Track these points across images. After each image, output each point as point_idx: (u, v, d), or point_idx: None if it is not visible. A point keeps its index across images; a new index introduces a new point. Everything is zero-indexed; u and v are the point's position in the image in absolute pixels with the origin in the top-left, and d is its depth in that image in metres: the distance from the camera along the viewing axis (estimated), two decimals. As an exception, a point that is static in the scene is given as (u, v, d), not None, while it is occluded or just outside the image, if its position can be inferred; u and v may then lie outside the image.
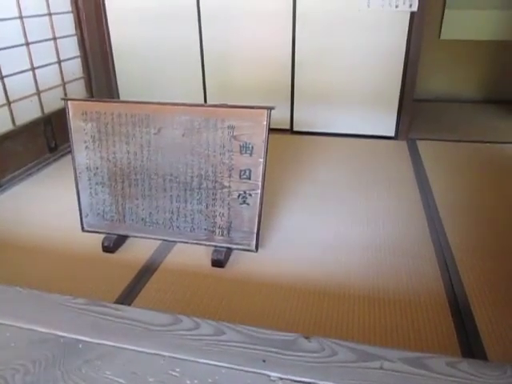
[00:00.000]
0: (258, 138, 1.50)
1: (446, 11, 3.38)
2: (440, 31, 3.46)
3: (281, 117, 2.93)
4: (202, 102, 3.03)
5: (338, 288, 1.55)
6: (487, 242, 1.81)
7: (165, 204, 1.72)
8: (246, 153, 1.53)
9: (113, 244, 1.79)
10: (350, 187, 2.26)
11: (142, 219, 1.77)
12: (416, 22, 2.58)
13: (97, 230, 1.82)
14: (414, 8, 2.49)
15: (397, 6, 2.50)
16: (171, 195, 1.69)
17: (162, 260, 1.73)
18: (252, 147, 1.52)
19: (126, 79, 3.12)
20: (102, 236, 1.81)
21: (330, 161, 2.56)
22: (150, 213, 1.75)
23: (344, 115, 2.86)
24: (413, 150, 2.69)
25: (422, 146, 2.74)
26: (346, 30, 2.66)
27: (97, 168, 1.75)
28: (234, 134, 1.53)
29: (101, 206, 1.79)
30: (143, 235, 1.78)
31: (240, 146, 1.53)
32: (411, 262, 1.69)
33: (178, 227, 1.73)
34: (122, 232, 1.81)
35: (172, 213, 1.72)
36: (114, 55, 3.07)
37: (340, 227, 1.92)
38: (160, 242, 1.81)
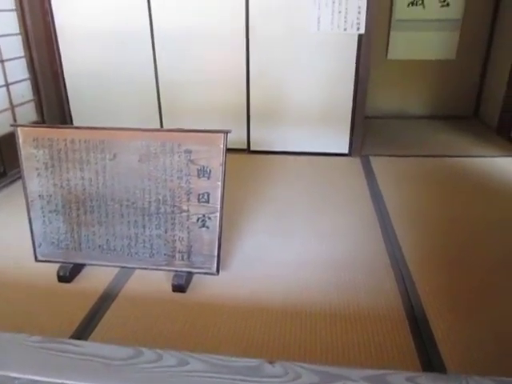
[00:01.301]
0: (216, 161, 1.51)
1: (391, 33, 3.56)
2: (387, 52, 3.63)
3: (238, 137, 2.96)
4: (158, 125, 3.02)
5: (299, 307, 1.57)
6: (439, 253, 1.89)
7: (122, 230, 1.68)
8: (203, 176, 1.53)
9: (69, 273, 1.73)
10: (307, 205, 2.31)
11: (99, 246, 1.73)
12: (364, 44, 2.69)
13: (51, 260, 1.76)
14: (362, 31, 2.60)
15: (345, 29, 2.61)
16: (129, 221, 1.66)
17: (121, 287, 1.69)
18: (210, 171, 1.52)
19: (79, 102, 3.06)
20: (57, 265, 1.74)
21: (287, 179, 2.60)
22: (108, 239, 1.71)
23: (299, 134, 2.93)
24: (366, 165, 2.79)
25: (374, 161, 2.84)
26: (298, 51, 2.74)
27: (50, 196, 1.69)
28: (192, 158, 1.53)
29: (55, 235, 1.73)
30: (101, 263, 1.74)
31: (198, 170, 1.53)
32: (369, 276, 1.74)
33: (136, 253, 1.70)
34: (78, 260, 1.75)
35: (130, 239, 1.69)
36: (66, 78, 3.00)
37: (299, 245, 1.95)
38: (118, 268, 1.77)
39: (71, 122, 3.12)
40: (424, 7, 3.48)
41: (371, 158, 2.90)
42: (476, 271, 1.76)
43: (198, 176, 1.54)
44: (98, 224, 1.70)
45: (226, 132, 1.47)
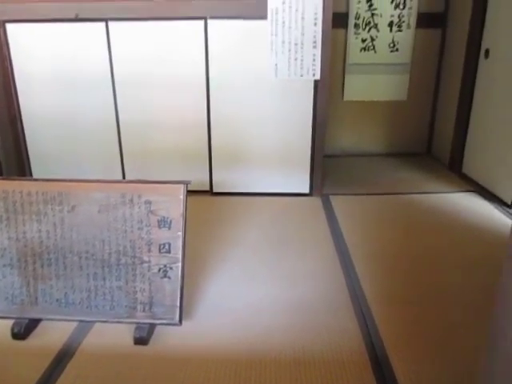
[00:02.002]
0: (176, 211, 1.52)
1: (346, 76, 3.74)
2: (343, 93, 3.79)
3: (200, 179, 2.98)
4: (120, 170, 2.99)
5: (263, 354, 1.56)
6: (399, 290, 1.94)
7: (81, 283, 1.65)
8: (164, 227, 1.54)
9: (24, 329, 1.66)
10: (269, 247, 2.33)
11: (57, 300, 1.68)
12: (320, 88, 2.81)
13: (5, 316, 1.69)
14: (317, 77, 2.72)
15: (301, 75, 2.72)
16: (88, 273, 1.63)
17: (80, 342, 1.63)
18: (170, 221, 1.53)
19: (38, 148, 3.01)
20: (12, 322, 1.67)
21: (250, 221, 2.63)
22: (66, 293, 1.67)
23: (261, 175, 2.98)
24: (327, 205, 2.86)
25: (335, 200, 2.92)
26: (257, 95, 2.82)
27: (4, 249, 1.64)
28: (152, 208, 1.53)
29: (9, 290, 1.67)
30: (58, 317, 1.68)
31: (158, 221, 1.53)
32: (332, 319, 1.76)
33: (96, 306, 1.66)
34: (34, 315, 1.69)
35: (89, 291, 1.65)
36: (25, 124, 2.96)
37: (262, 289, 1.96)
38: (77, 322, 1.71)
39: (30, 169, 3.05)
40: (375, 52, 3.69)
41: (331, 197, 2.97)
42: (435, 309, 1.82)
43: (159, 226, 1.54)
44: (56, 277, 1.66)
45: (186, 183, 1.49)
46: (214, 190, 3.01)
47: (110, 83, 2.83)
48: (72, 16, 2.67)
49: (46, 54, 2.80)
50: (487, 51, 3.04)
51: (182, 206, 1.51)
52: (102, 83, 2.83)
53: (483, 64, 3.10)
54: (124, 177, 3.02)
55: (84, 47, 2.77)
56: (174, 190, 1.51)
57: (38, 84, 2.87)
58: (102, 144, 2.96)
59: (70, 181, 1.57)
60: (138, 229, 1.55)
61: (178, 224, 1.53)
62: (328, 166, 3.45)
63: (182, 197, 1.51)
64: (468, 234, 2.45)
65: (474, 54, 3.17)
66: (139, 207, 1.54)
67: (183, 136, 2.91)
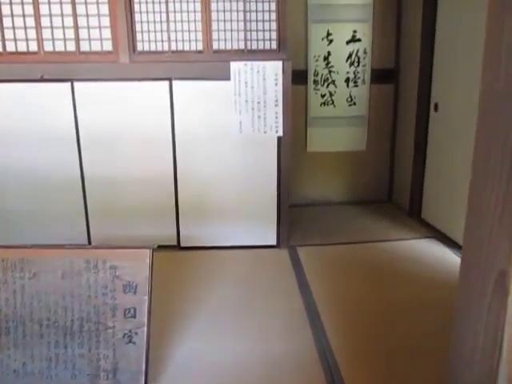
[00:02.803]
0: (142, 276, 1.52)
1: (308, 129, 3.90)
2: (306, 145, 3.94)
3: (168, 234, 2.98)
4: (85, 228, 2.96)
5: (233, 420, 1.53)
6: (368, 345, 1.96)
7: (41, 351, 1.59)
8: (129, 291, 1.52)
9: (-22, 406, 1.57)
10: (237, 303, 2.32)
11: (15, 371, 1.60)
12: (283, 142, 2.91)
13: (-42, 392, 1.59)
14: (280, 133, 2.84)
15: (265, 132, 2.83)
16: (49, 341, 1.58)
17: (39, 417, 1.56)
18: (136, 286, 1.52)
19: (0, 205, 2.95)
20: (-35, 398, 1.58)
21: (217, 276, 2.62)
22: (24, 362, 1.60)
23: (229, 228, 3.01)
24: (294, 257, 2.89)
25: (302, 252, 2.96)
26: (223, 151, 2.89)
27: (-40, 320, 1.58)
28: (117, 273, 1.52)
29: (-36, 363, 1.59)
30: (16, 390, 1.60)
31: (123, 286, 1.52)
32: (300, 373, 1.75)
33: (57, 375, 1.59)
34: (-11, 389, 1.60)
35: (50, 360, 1.59)
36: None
37: (230, 348, 1.93)
38: (36, 395, 1.63)
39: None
40: (335, 106, 3.89)
41: (298, 248, 3.02)
42: (405, 362, 1.84)
43: (124, 291, 1.53)
44: (14, 346, 1.59)
45: (152, 248, 1.50)
46: (182, 245, 3.00)
47: (75, 140, 2.84)
48: (37, 76, 2.71)
49: (9, 111, 2.79)
50: (436, 105, 3.27)
51: (147, 270, 1.51)
52: (67, 140, 2.83)
53: (433, 116, 3.32)
54: (89, 234, 2.97)
55: (49, 106, 2.79)
56: (140, 254, 1.51)
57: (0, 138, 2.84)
58: (66, 201, 2.92)
59: (33, 246, 1.55)
60: (103, 294, 1.53)
61: (144, 288, 1.52)
62: (294, 216, 3.51)
63: (147, 261, 1.51)
64: (429, 280, 2.53)
65: (425, 107, 3.40)
66: (104, 272, 1.52)
67: (150, 191, 2.92)
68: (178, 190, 2.94)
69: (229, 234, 3.02)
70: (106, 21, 2.73)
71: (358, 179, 4.11)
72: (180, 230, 2.99)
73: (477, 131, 0.74)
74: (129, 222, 2.96)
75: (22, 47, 2.74)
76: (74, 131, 2.83)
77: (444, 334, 2.00)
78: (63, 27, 2.72)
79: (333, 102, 3.88)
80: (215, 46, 2.81)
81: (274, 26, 2.83)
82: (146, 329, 1.54)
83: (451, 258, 2.82)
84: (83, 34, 2.75)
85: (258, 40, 2.85)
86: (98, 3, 2.71)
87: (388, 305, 2.29)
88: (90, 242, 2.97)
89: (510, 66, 0.69)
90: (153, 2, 2.75)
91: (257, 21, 2.82)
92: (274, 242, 3.03)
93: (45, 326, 1.57)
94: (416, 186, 3.58)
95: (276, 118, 2.80)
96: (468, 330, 0.76)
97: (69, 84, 2.76)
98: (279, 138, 2.89)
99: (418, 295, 2.38)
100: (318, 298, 2.36)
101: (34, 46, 2.73)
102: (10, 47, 2.73)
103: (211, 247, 2.99)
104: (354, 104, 3.91)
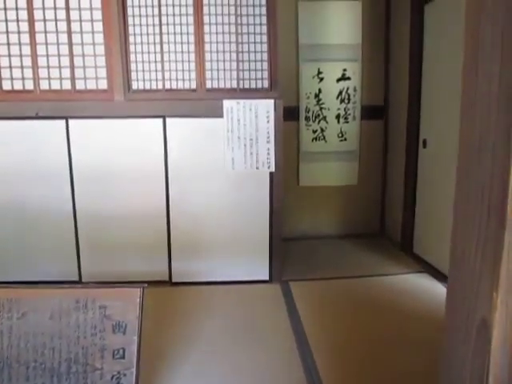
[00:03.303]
0: (132, 315, 1.50)
1: (300, 164, 3.95)
2: (298, 179, 3.99)
3: (160, 269, 2.96)
4: (75, 263, 2.93)
5: None
6: (360, 382, 1.93)
7: (28, 395, 1.55)
8: (119, 332, 1.51)
9: None
10: (228, 340, 2.29)
11: (-1, 416, 1.56)
12: (275, 177, 2.95)
13: None
14: (272, 169, 2.88)
15: (257, 168, 2.87)
16: (35, 384, 1.54)
17: None
18: (125, 325, 1.50)
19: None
20: None
21: (209, 313, 2.59)
22: (10, 407, 1.56)
23: (221, 263, 3.00)
24: (286, 292, 2.88)
25: (294, 287, 2.95)
26: (215, 187, 2.92)
27: None
28: (107, 313, 1.51)
29: None
30: None
31: (113, 326, 1.50)
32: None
33: (43, 420, 1.55)
34: None
35: (36, 404, 1.55)
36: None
37: (223, 389, 1.90)
38: None
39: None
40: (326, 141, 3.96)
41: (291, 283, 3.00)
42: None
43: (113, 331, 1.51)
44: (0, 390, 1.55)
45: (143, 287, 1.49)
46: (174, 280, 2.98)
47: (68, 177, 2.85)
48: (32, 114, 2.75)
49: (3, 148, 2.82)
50: (425, 141, 3.34)
51: (138, 309, 1.50)
52: (60, 176, 2.85)
53: (422, 152, 3.39)
54: (80, 270, 2.95)
55: (43, 142, 2.81)
56: (131, 293, 1.51)
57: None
58: (57, 237, 2.91)
59: (22, 287, 1.54)
60: (92, 335, 1.51)
61: (134, 328, 1.50)
62: (287, 250, 3.51)
63: (138, 300, 1.50)
64: (421, 315, 2.51)
65: (414, 143, 3.47)
66: (93, 312, 1.51)
67: (142, 227, 2.92)
68: (171, 225, 2.94)
69: (221, 269, 3.01)
70: (101, 61, 2.81)
71: (350, 213, 4.14)
72: (172, 265, 2.97)
73: (456, 181, 0.77)
74: (121, 257, 2.94)
75: (18, 85, 2.79)
76: (68, 167, 2.85)
77: (432, 370, 1.99)
78: (59, 67, 2.79)
79: (324, 138, 3.96)
80: (208, 85, 2.89)
81: (265, 65, 2.92)
82: (134, 370, 1.52)
83: (443, 293, 2.82)
84: (79, 73, 2.81)
85: (250, 79, 2.93)
86: (94, 44, 2.79)
87: (379, 342, 2.26)
88: (80, 279, 2.95)
89: (485, 118, 0.73)
90: (148, 43, 2.84)
91: (249, 61, 2.90)
92: (266, 277, 3.02)
93: (32, 367, 1.54)
94: (407, 221, 3.61)
95: (268, 154, 2.85)
96: (453, 375, 0.76)
97: (63, 121, 2.80)
98: (271, 174, 2.93)
99: (410, 331, 2.36)
100: (310, 335, 2.33)
101: (30, 85, 2.79)
102: (7, 86, 2.79)
103: (203, 282, 2.97)
104: (345, 139, 3.99)
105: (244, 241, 2.99)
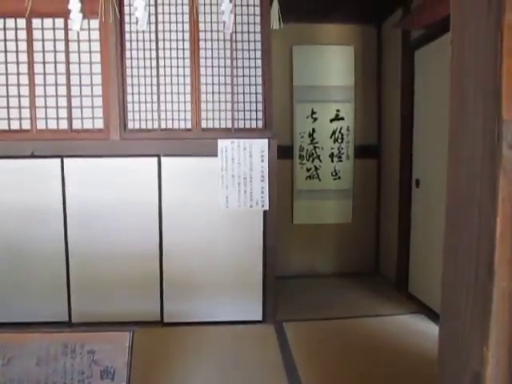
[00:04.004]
0: (121, 360, 1.47)
1: (294, 202, 3.97)
2: (292, 217, 3.99)
3: (151, 309, 2.91)
4: (66, 301, 2.88)
5: None
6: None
7: None
8: (107, 378, 1.46)
9: None
10: (222, 384, 2.23)
11: None
12: (269, 215, 2.95)
13: None
14: (266, 207, 2.89)
15: (251, 206, 2.88)
16: (18, 434, 1.48)
17: None
18: (114, 371, 1.46)
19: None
20: None
21: (200, 356, 2.52)
22: None
23: (214, 303, 2.95)
24: (280, 333, 2.82)
25: (288, 328, 2.89)
26: (209, 225, 2.92)
27: None
28: (95, 358, 1.47)
29: None
30: None
31: (101, 371, 1.46)
32: None
33: None
34: None
35: None
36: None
37: None
38: None
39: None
40: (320, 180, 4.00)
41: (285, 324, 2.94)
42: None
43: (101, 377, 1.47)
44: None
45: (132, 330, 1.46)
46: (165, 320, 2.92)
47: (61, 215, 2.84)
48: (28, 153, 2.77)
49: (-2, 186, 2.82)
50: (417, 181, 3.38)
51: (127, 354, 1.46)
52: (53, 215, 2.83)
53: (415, 192, 3.42)
54: (70, 309, 2.88)
55: (37, 181, 2.82)
56: (119, 337, 1.47)
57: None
58: (47, 276, 2.86)
59: (8, 332, 1.50)
60: (79, 381, 1.47)
61: (123, 373, 1.46)
62: (281, 288, 3.47)
63: (127, 344, 1.47)
64: (417, 356, 2.47)
65: (407, 182, 3.51)
66: (81, 357, 1.47)
67: (134, 266, 2.89)
68: (163, 264, 2.91)
69: (214, 309, 2.96)
70: (98, 101, 2.86)
71: (345, 251, 4.12)
72: (164, 305, 2.92)
73: (444, 233, 0.78)
74: (112, 296, 2.89)
75: (15, 125, 2.83)
76: (61, 206, 2.85)
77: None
78: (57, 107, 2.84)
79: (318, 176, 3.99)
80: (203, 125, 2.93)
81: (260, 106, 2.98)
82: (122, 419, 1.47)
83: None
84: (76, 113, 2.86)
85: (245, 119, 2.98)
86: (91, 85, 2.85)
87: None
88: (70, 319, 2.88)
89: (471, 168, 0.75)
90: (145, 84, 2.90)
91: (244, 102, 2.97)
92: (259, 317, 2.97)
93: (15, 416, 1.48)
94: (402, 260, 3.60)
95: (262, 192, 2.86)
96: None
97: (59, 160, 2.81)
98: (265, 212, 2.94)
99: (407, 370, 2.31)
100: (304, 379, 2.27)
101: (26, 125, 2.83)
102: (3, 125, 2.81)
103: (195, 323, 2.91)
104: (339, 178, 4.03)
105: (238, 279, 2.96)
